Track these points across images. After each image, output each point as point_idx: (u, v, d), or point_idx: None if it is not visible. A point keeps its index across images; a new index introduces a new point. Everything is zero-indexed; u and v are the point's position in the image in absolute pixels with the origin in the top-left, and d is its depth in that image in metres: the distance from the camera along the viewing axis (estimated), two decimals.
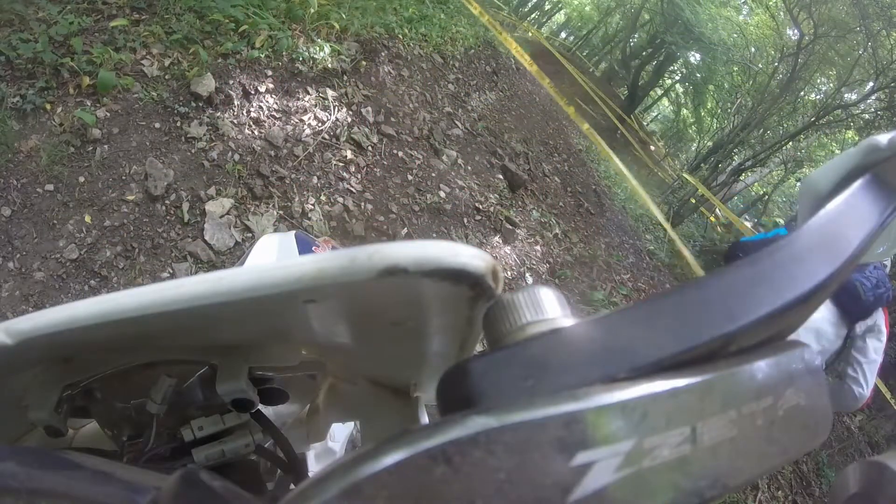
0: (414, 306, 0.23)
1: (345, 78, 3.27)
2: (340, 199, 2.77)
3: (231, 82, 2.64)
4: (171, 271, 2.06)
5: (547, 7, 17.34)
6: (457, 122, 4.12)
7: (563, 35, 19.01)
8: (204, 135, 2.45)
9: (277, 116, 2.78)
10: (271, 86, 2.83)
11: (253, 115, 2.68)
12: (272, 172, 2.55)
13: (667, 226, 4.42)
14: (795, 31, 8.13)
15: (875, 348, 2.00)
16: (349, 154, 2.99)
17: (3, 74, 2.09)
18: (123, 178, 2.16)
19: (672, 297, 0.18)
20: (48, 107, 2.12)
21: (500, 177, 4.08)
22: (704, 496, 0.15)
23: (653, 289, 4.77)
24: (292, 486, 0.46)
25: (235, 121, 2.59)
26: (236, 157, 2.49)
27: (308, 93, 3.00)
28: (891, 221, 0.25)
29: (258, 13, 2.91)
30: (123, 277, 1.97)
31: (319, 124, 2.95)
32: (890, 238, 0.32)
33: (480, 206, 3.55)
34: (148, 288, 0.22)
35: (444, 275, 0.18)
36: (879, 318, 2.02)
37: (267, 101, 2.77)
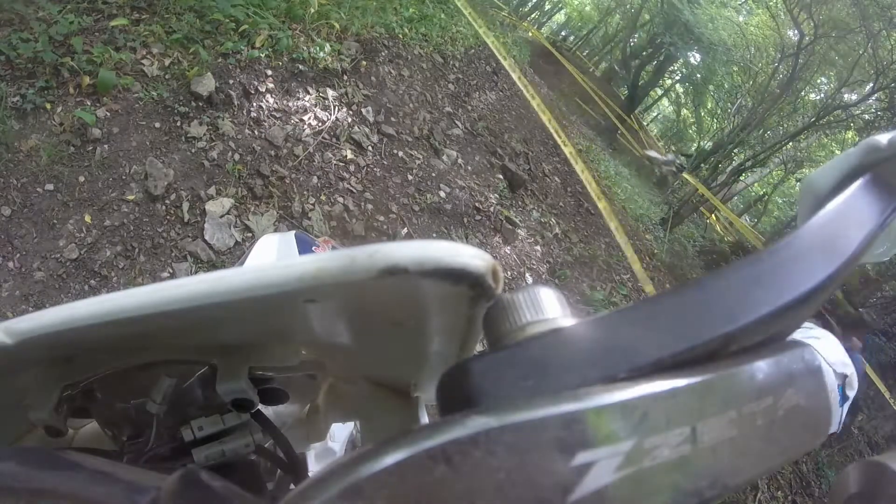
0: (414, 306, 0.23)
1: (345, 78, 3.27)
2: (340, 199, 2.77)
3: (231, 82, 2.64)
4: (171, 271, 2.06)
5: (547, 7, 17.34)
6: (457, 122, 4.12)
7: (563, 35, 19.00)
8: (204, 134, 2.45)
9: (277, 116, 2.78)
10: (271, 85, 2.83)
11: (253, 114, 2.68)
12: (272, 172, 2.55)
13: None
14: (796, 31, 8.13)
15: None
16: (349, 154, 2.99)
17: (3, 74, 2.09)
18: (123, 177, 2.16)
19: (672, 297, 0.18)
20: (48, 106, 2.12)
21: (500, 177, 4.08)
22: (704, 496, 0.15)
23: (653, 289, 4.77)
24: (292, 486, 0.46)
25: (235, 120, 2.59)
26: (236, 156, 2.50)
27: (308, 92, 3.00)
28: (891, 221, 0.25)
29: (258, 13, 2.91)
30: (123, 277, 1.98)
31: (319, 124, 2.95)
32: (890, 238, 0.32)
33: (480, 206, 3.55)
34: (148, 288, 0.22)
35: (444, 275, 0.18)
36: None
37: (267, 101, 2.77)
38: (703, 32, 8.74)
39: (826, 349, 0.57)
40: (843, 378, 0.58)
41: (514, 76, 3.68)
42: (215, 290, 0.20)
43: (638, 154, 9.16)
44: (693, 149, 9.30)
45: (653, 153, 8.97)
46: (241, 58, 2.73)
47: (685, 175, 8.34)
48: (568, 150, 3.74)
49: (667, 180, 8.68)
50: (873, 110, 7.48)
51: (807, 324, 0.64)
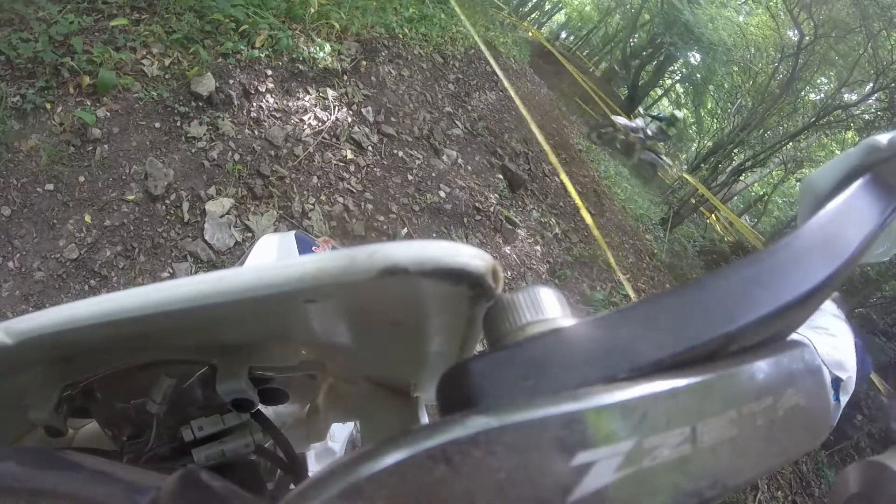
0: (414, 306, 0.23)
1: (345, 78, 3.27)
2: (340, 199, 2.77)
3: (231, 82, 2.64)
4: (171, 271, 2.06)
5: (547, 7, 17.34)
6: (457, 122, 4.12)
7: (563, 35, 19.01)
8: (204, 134, 2.45)
9: (277, 116, 2.78)
10: (271, 85, 2.83)
11: (253, 114, 2.68)
12: (272, 172, 2.55)
13: None
14: (796, 31, 8.13)
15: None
16: (349, 154, 2.99)
17: (3, 74, 2.09)
18: (123, 177, 2.16)
19: (672, 297, 0.18)
20: (48, 106, 2.12)
21: (500, 177, 4.08)
22: (704, 496, 0.15)
23: (653, 289, 4.77)
24: (292, 486, 0.46)
25: (235, 120, 2.59)
26: (236, 156, 2.50)
27: (308, 92, 3.00)
28: (891, 222, 0.25)
29: (258, 13, 2.91)
30: (123, 277, 1.98)
31: (319, 124, 2.95)
32: (890, 238, 0.32)
33: (480, 206, 3.55)
34: (148, 288, 0.22)
35: (444, 275, 0.18)
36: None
37: (267, 101, 2.77)
38: (703, 32, 8.74)
39: (827, 347, 0.57)
40: (838, 381, 0.57)
41: (511, 92, 3.71)
42: (215, 291, 0.20)
43: (600, 118, 8.70)
44: (668, 111, 8.36)
45: (620, 119, 8.08)
46: (241, 58, 2.73)
47: (685, 175, 8.29)
48: (553, 160, 3.77)
49: (633, 147, 7.83)
50: (873, 110, 7.47)
51: (834, 310, 0.63)
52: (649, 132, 7.61)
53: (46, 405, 0.34)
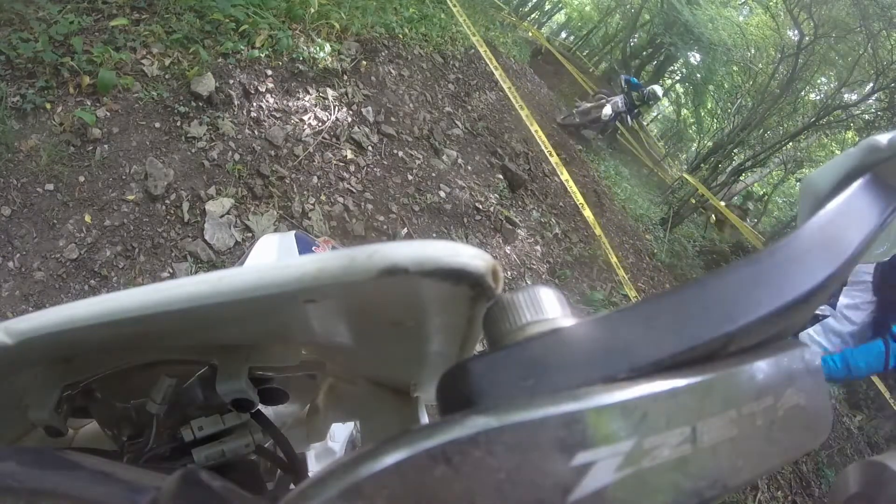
0: (414, 306, 0.23)
1: (345, 78, 3.27)
2: (340, 199, 2.77)
3: (231, 82, 2.64)
4: (171, 271, 2.06)
5: (547, 7, 17.34)
6: (457, 122, 4.12)
7: (563, 35, 19.01)
8: (204, 134, 2.45)
9: (277, 116, 2.78)
10: (271, 85, 2.83)
11: (253, 114, 2.68)
12: (272, 172, 2.55)
13: None
14: (796, 31, 8.13)
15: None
16: (349, 154, 2.99)
17: (3, 74, 2.09)
18: (123, 177, 2.16)
19: (672, 297, 0.18)
20: (48, 106, 2.12)
21: (500, 177, 4.08)
22: (704, 496, 0.15)
23: (653, 289, 4.77)
24: (292, 486, 0.46)
25: (235, 120, 2.59)
26: (236, 156, 2.50)
27: (308, 92, 3.00)
28: (891, 221, 0.25)
29: (258, 13, 2.91)
30: (123, 277, 1.98)
31: (319, 124, 2.95)
32: (890, 238, 0.32)
33: (480, 206, 3.55)
34: (148, 288, 0.22)
35: (444, 275, 0.18)
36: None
37: (267, 101, 2.77)
38: (702, 32, 8.73)
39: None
40: None
41: (505, 86, 3.73)
42: (216, 291, 0.20)
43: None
44: (650, 88, 7.24)
45: (585, 104, 7.51)
46: (241, 58, 2.73)
47: (685, 175, 8.27)
48: (554, 160, 3.78)
49: (606, 126, 7.34)
50: (873, 110, 7.45)
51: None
52: (630, 119, 7.26)
53: (46, 405, 0.34)
